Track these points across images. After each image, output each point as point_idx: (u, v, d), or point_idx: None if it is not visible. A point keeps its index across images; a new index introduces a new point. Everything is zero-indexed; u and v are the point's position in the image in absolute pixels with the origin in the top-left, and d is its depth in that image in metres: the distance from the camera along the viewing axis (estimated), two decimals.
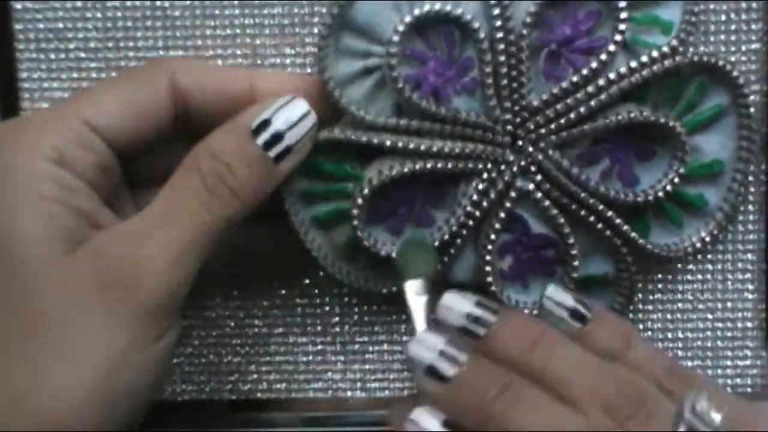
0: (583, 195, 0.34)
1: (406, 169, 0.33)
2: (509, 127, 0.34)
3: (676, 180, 0.34)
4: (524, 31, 0.33)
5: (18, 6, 0.36)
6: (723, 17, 0.36)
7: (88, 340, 0.28)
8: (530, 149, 0.34)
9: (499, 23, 0.33)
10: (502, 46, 0.33)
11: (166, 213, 0.29)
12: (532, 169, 0.34)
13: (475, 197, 0.34)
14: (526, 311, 0.35)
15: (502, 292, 0.35)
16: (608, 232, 0.35)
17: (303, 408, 0.39)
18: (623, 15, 0.33)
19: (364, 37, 0.33)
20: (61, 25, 0.36)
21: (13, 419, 0.27)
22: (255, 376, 0.39)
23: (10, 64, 0.36)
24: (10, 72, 0.37)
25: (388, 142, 0.33)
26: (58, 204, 0.29)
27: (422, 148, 0.33)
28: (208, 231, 0.29)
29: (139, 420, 0.30)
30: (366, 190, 0.33)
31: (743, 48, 0.36)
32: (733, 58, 0.36)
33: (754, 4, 0.36)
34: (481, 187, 0.34)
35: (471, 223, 0.34)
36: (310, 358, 0.39)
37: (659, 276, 0.38)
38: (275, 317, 0.38)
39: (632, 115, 0.33)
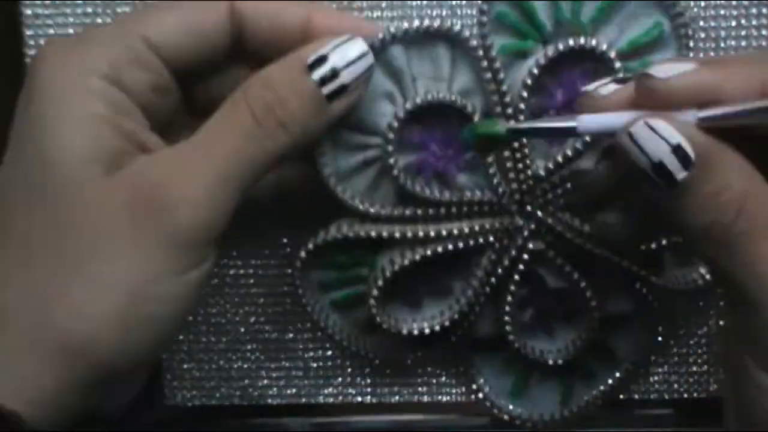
0: (597, 250, 0.34)
1: (417, 257, 0.33)
2: (516, 196, 0.34)
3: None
4: (521, 105, 0.33)
5: (28, 12, 0.36)
6: (733, 23, 0.36)
7: (115, 264, 0.27)
8: (539, 213, 0.34)
9: (495, 98, 0.33)
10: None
11: (209, 141, 0.28)
12: (543, 230, 0.34)
13: (488, 268, 0.34)
14: (551, 361, 0.36)
15: (526, 345, 0.36)
16: (623, 275, 0.35)
17: (313, 413, 0.39)
18: (617, 65, 0.32)
19: (361, 130, 0.33)
20: (71, 31, 0.36)
21: (36, 331, 0.27)
22: (265, 381, 0.39)
23: (20, 70, 0.36)
24: (21, 77, 0.36)
25: (397, 234, 0.33)
26: (106, 124, 0.28)
27: (431, 234, 0.33)
28: (251, 164, 0.28)
29: (160, 350, 0.29)
30: (380, 281, 0.33)
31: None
32: None
33: (764, 9, 0.36)
34: (493, 257, 0.34)
35: (488, 290, 0.34)
36: (320, 363, 0.39)
37: None
38: (285, 323, 0.38)
39: None
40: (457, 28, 0.32)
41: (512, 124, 0.31)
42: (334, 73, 0.29)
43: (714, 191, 0.26)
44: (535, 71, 0.32)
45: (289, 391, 0.39)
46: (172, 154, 0.29)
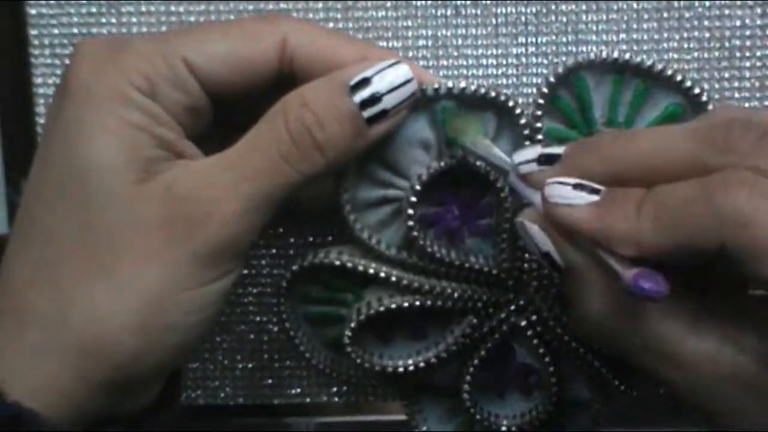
0: (574, 344, 0.34)
1: (405, 304, 0.33)
2: (515, 273, 0.34)
3: None
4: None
5: (33, 12, 0.36)
6: (738, 23, 0.36)
7: (141, 270, 0.27)
8: (532, 293, 0.34)
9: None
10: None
11: (244, 156, 0.28)
12: (530, 308, 0.34)
13: (468, 329, 0.34)
14: (503, 428, 0.35)
15: (479, 407, 0.35)
16: (591, 371, 0.35)
17: (318, 412, 0.39)
18: None
19: (389, 168, 0.32)
20: (75, 31, 0.36)
21: (57, 332, 0.27)
22: (269, 381, 0.39)
23: (25, 70, 0.37)
24: (25, 77, 0.37)
25: (393, 278, 0.33)
26: (141, 131, 0.28)
27: (425, 287, 0.33)
28: (283, 183, 0.28)
29: (182, 356, 0.29)
30: (363, 317, 0.33)
31: (758, 53, 0.36)
32: (748, 64, 0.36)
33: None
34: (475, 321, 0.34)
35: (461, 348, 0.34)
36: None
37: None
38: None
39: None
40: (511, 103, 0.31)
41: (479, 141, 0.31)
42: (377, 98, 0.29)
43: (571, 301, 0.28)
44: None
45: (293, 391, 0.39)
46: (206, 167, 0.28)
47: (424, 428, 0.37)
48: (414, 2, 0.36)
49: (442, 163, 0.31)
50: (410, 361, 0.34)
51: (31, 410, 0.26)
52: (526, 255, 0.33)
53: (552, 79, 0.32)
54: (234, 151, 0.28)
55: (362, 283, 0.34)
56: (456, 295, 0.33)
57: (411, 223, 0.32)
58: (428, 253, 0.33)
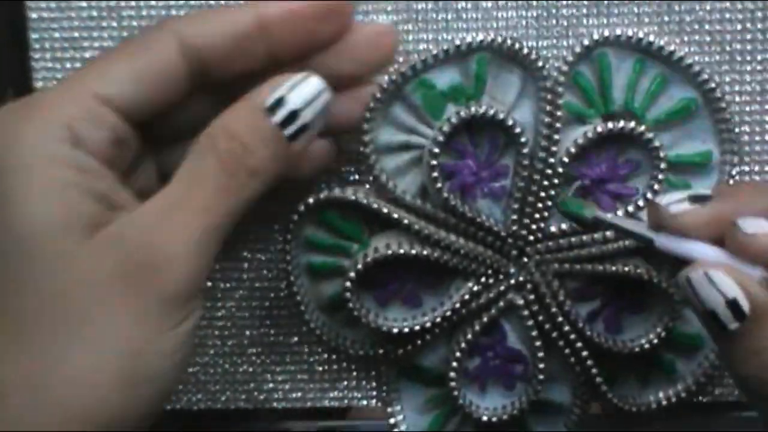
0: (567, 328, 0.34)
1: (414, 251, 0.33)
2: (520, 242, 0.34)
3: (656, 341, 0.35)
4: (565, 159, 0.33)
5: (34, 15, 0.36)
6: (739, 26, 0.36)
7: (110, 327, 0.27)
8: (533, 269, 0.34)
9: (544, 143, 0.33)
10: (540, 166, 0.34)
11: (185, 196, 0.29)
12: (528, 287, 0.35)
13: (466, 297, 0.34)
14: (485, 417, 0.36)
15: (462, 393, 0.36)
16: (578, 368, 0.35)
17: (318, 417, 0.39)
18: (661, 176, 0.34)
19: (415, 114, 0.33)
20: (76, 35, 0.36)
21: (34, 410, 0.27)
22: (270, 385, 0.39)
23: (25, 73, 0.36)
24: (26, 81, 0.37)
25: (405, 221, 0.33)
26: (74, 188, 0.28)
27: (436, 236, 0.33)
28: (229, 213, 0.29)
29: (163, 403, 0.29)
30: (369, 259, 0.33)
31: (759, 57, 0.36)
32: (749, 68, 0.36)
33: None
34: (475, 289, 0.34)
35: (454, 318, 0.35)
36: (326, 367, 0.39)
37: None
38: (290, 326, 0.38)
39: (630, 271, 0.34)
40: (540, 63, 0.33)
41: (599, 213, 0.31)
42: (294, 115, 0.29)
43: (757, 349, 0.27)
44: (580, 142, 0.33)
45: (294, 395, 0.39)
46: (151, 212, 0.28)
47: (401, 417, 0.37)
48: (414, 6, 0.36)
49: (463, 114, 0.32)
50: (405, 324, 0.34)
51: None
52: (533, 226, 0.34)
53: (577, 50, 0.33)
54: (173, 190, 0.29)
55: (369, 232, 0.34)
56: (462, 251, 0.34)
57: (435, 174, 0.32)
58: (444, 204, 0.33)
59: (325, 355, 0.38)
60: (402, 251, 0.33)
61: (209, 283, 0.38)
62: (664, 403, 0.36)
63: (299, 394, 0.39)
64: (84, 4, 0.36)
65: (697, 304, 0.27)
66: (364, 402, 0.39)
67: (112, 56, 0.30)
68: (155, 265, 0.28)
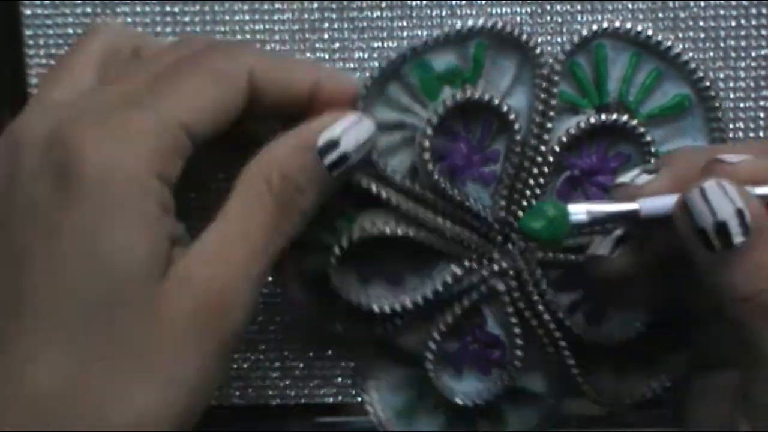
0: (546, 317, 0.34)
1: (399, 231, 0.33)
2: (506, 229, 0.34)
3: (633, 336, 0.34)
4: (556, 148, 0.33)
5: (28, 12, 0.36)
6: (733, 23, 0.36)
7: (179, 366, 0.27)
8: (517, 256, 0.34)
9: (537, 131, 0.34)
10: (531, 154, 0.34)
11: (243, 233, 0.29)
12: (511, 273, 0.35)
13: (449, 279, 0.34)
14: (459, 401, 0.35)
15: (437, 373, 0.36)
16: (555, 358, 0.35)
17: (314, 413, 0.39)
18: (653, 149, 0.34)
19: (411, 94, 0.33)
20: (71, 31, 0.36)
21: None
22: (266, 381, 0.39)
23: (20, 70, 0.36)
24: (21, 78, 0.37)
25: (393, 201, 0.33)
26: (158, 226, 0.27)
27: (422, 218, 0.33)
28: (278, 252, 0.29)
29: None
30: (355, 236, 0.33)
31: (753, 54, 0.36)
32: (743, 64, 0.36)
33: (764, 10, 0.36)
34: (458, 272, 0.34)
35: (436, 300, 0.34)
36: (321, 363, 0.39)
37: None
38: (286, 323, 0.38)
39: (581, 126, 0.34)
40: (538, 50, 0.33)
41: (573, 205, 0.30)
42: (345, 157, 0.30)
43: (762, 263, 0.27)
44: (572, 132, 0.33)
45: (290, 392, 0.39)
46: (211, 249, 0.28)
47: (373, 396, 0.37)
48: (409, 2, 0.36)
49: (458, 97, 0.32)
50: (386, 302, 0.34)
51: None
52: (521, 212, 0.34)
53: (575, 40, 0.33)
54: (230, 227, 0.29)
55: (356, 210, 0.34)
56: (448, 234, 0.34)
57: (426, 156, 0.32)
58: (433, 186, 0.33)
59: (321, 352, 0.39)
60: (388, 231, 0.33)
61: None
62: (648, 395, 0.36)
63: (295, 391, 0.39)
64: (78, 1, 0.36)
65: (710, 218, 0.27)
66: (360, 398, 0.39)
67: (188, 81, 0.29)
68: (224, 306, 0.28)
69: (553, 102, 0.34)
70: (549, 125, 0.34)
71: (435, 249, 0.34)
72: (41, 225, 0.27)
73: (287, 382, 0.39)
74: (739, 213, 0.27)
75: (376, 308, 0.34)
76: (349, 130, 0.30)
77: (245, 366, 0.39)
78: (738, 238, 0.27)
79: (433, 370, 0.35)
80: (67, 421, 0.26)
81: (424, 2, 0.36)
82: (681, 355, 0.35)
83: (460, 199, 0.33)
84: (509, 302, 0.35)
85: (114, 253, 0.27)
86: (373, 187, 0.33)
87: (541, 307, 0.34)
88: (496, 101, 0.33)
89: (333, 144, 0.30)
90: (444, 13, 0.36)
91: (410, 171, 0.34)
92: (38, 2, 0.36)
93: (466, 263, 0.34)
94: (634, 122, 0.33)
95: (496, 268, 0.34)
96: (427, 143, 0.32)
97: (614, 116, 0.33)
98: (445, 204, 0.34)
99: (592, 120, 0.33)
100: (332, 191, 0.31)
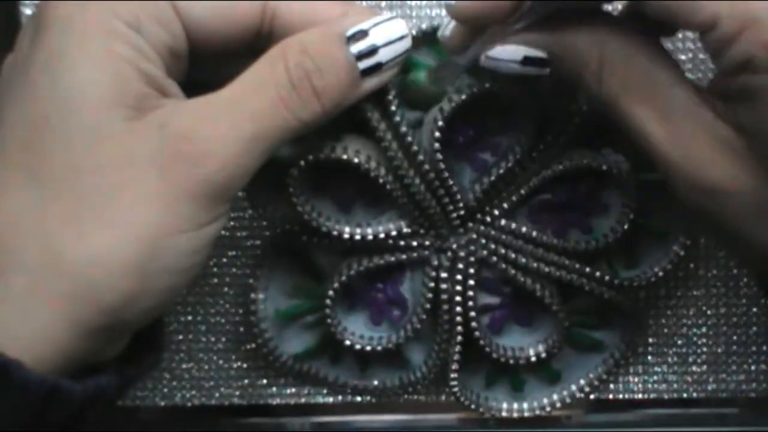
0: (458, 309, 0.35)
1: (370, 167, 0.32)
2: (467, 215, 0.34)
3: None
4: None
5: (27, 12, 0.36)
6: None
7: (137, 211, 0.26)
8: (462, 242, 0.35)
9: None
10: (528, 162, 0.34)
11: (243, 97, 0.28)
12: (449, 254, 0.35)
13: (392, 231, 0.34)
14: (341, 338, 0.35)
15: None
16: (444, 346, 0.35)
17: (313, 412, 0.39)
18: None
19: (436, 59, 0.33)
20: None
21: (46, 277, 0.26)
22: (264, 381, 0.39)
23: None
24: None
25: (381, 134, 0.32)
26: (129, 65, 0.27)
27: (401, 168, 0.33)
28: (281, 127, 0.28)
29: (170, 304, 0.29)
30: (331, 154, 0.32)
31: None
32: None
33: None
34: (404, 229, 0.34)
35: (372, 243, 0.34)
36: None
37: (669, 282, 0.38)
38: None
39: (536, 288, 0.35)
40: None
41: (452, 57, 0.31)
42: (373, 50, 0.29)
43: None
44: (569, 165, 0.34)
45: (288, 391, 0.39)
46: (202, 105, 0.28)
47: (263, 295, 0.36)
48: (409, 2, 0.36)
49: (464, 97, 0.32)
50: (332, 225, 0.34)
51: (16, 361, 0.25)
52: (491, 210, 0.34)
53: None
54: (231, 91, 0.28)
55: (348, 135, 0.33)
56: (414, 193, 0.33)
57: (437, 134, 0.32)
58: (430, 152, 0.33)
59: None
60: (356, 161, 0.32)
61: (201, 281, 0.38)
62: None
63: (293, 390, 0.39)
64: None
65: (513, 65, 0.29)
66: (358, 397, 0.39)
67: None
68: (193, 158, 0.27)
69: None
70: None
71: (395, 199, 0.33)
72: (20, 65, 0.28)
73: (286, 381, 0.39)
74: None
75: (323, 228, 0.34)
76: (380, 25, 0.29)
77: (245, 366, 0.39)
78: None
79: (331, 296, 0.35)
80: (12, 252, 0.26)
81: (424, 2, 0.36)
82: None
83: (442, 167, 0.33)
84: (432, 278, 0.35)
85: (75, 88, 0.26)
86: (374, 118, 0.32)
87: (458, 299, 0.35)
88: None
89: (361, 33, 0.29)
90: (443, 13, 0.36)
91: (414, 123, 0.33)
92: (38, 2, 0.36)
93: (416, 227, 0.34)
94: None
95: (438, 243, 0.34)
96: (438, 135, 0.32)
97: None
98: (428, 167, 0.33)
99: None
100: (357, 96, 0.29)
